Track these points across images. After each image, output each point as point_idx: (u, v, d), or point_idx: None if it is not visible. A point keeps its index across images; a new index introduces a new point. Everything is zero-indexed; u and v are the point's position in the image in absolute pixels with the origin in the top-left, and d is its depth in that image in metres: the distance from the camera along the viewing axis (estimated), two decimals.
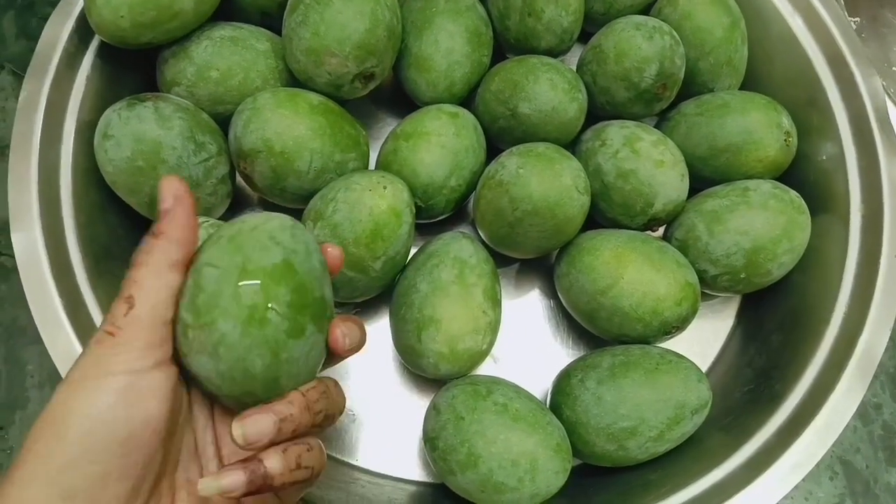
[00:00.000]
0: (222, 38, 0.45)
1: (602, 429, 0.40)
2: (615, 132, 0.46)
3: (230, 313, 0.25)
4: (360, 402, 0.47)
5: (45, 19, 0.43)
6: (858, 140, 0.46)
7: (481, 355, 0.43)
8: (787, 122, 0.47)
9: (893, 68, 0.62)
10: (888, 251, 0.43)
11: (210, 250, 0.27)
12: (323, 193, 0.42)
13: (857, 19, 0.64)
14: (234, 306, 0.26)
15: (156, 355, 0.25)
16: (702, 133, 0.48)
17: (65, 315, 0.38)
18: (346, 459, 0.45)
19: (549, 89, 0.45)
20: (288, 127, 0.42)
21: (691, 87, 0.50)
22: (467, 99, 0.50)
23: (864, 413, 0.51)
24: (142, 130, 0.40)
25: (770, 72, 0.52)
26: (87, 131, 0.43)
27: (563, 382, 0.43)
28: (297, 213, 0.44)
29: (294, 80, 0.46)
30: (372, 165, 0.49)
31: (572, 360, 0.45)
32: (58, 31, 0.43)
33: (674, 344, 0.44)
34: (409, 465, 0.45)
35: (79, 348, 0.37)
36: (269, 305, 0.26)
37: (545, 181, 0.41)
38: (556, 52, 0.50)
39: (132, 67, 0.47)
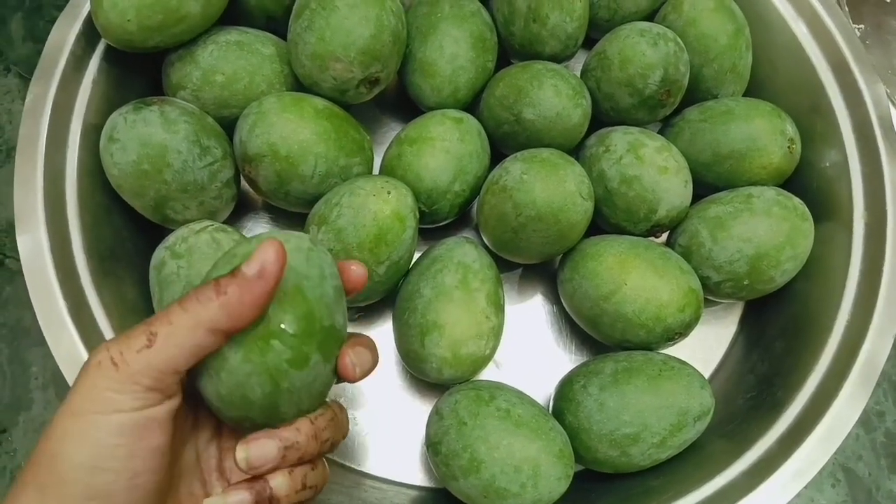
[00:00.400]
0: (228, 43, 0.45)
1: (605, 435, 0.40)
2: (619, 138, 0.46)
3: (234, 337, 0.25)
4: (362, 407, 0.47)
5: (53, 22, 0.43)
6: (862, 147, 0.46)
7: (484, 360, 0.43)
8: (790, 128, 0.47)
9: None
10: (891, 258, 0.43)
11: (222, 269, 0.26)
12: (327, 198, 0.43)
13: (862, 26, 0.64)
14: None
15: (157, 397, 0.24)
16: (706, 139, 0.48)
17: (69, 317, 0.38)
18: (348, 464, 0.45)
19: (553, 95, 0.45)
20: (293, 131, 0.42)
21: (695, 93, 0.50)
22: (472, 104, 0.50)
23: (867, 420, 0.51)
24: (147, 134, 0.40)
25: (774, 78, 0.52)
26: (93, 134, 0.43)
27: (566, 388, 0.43)
28: (301, 218, 0.44)
29: (299, 84, 0.46)
30: (376, 170, 0.49)
31: (575, 365, 0.45)
32: (64, 35, 0.43)
33: (676, 350, 0.44)
34: (411, 470, 0.45)
35: (83, 350, 0.37)
36: (274, 332, 0.25)
37: (549, 187, 0.41)
38: (560, 58, 0.50)
39: (138, 71, 0.47)
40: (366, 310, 0.48)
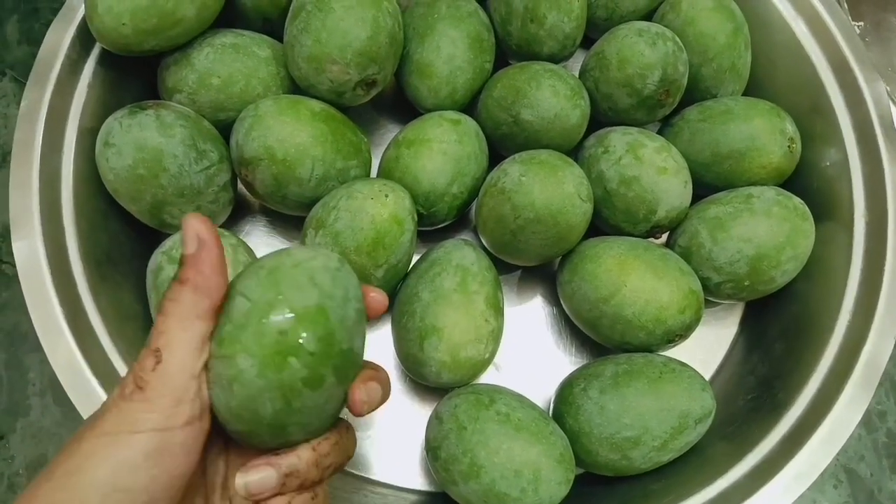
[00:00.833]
0: (224, 45, 0.45)
1: (605, 438, 0.40)
2: (618, 139, 0.46)
3: (251, 350, 0.25)
4: None
5: (49, 25, 0.43)
6: (862, 146, 0.46)
7: (484, 364, 0.42)
8: (790, 127, 0.47)
9: None
10: (892, 258, 0.43)
11: (248, 280, 0.26)
12: (325, 201, 0.42)
13: (861, 23, 0.64)
14: (256, 344, 0.25)
15: (186, 412, 0.24)
16: (705, 139, 0.47)
17: (65, 323, 0.38)
18: (348, 469, 0.45)
19: (551, 96, 0.44)
20: (290, 134, 0.42)
21: (694, 93, 0.50)
22: (469, 105, 0.50)
23: (869, 421, 0.51)
24: (143, 138, 0.40)
25: (773, 77, 0.51)
26: (88, 139, 0.43)
27: (566, 391, 0.43)
28: (299, 221, 0.44)
29: (296, 87, 0.46)
30: (374, 173, 0.48)
31: (575, 368, 0.45)
32: (59, 38, 0.43)
33: (676, 352, 0.44)
34: (410, 475, 0.45)
35: (79, 356, 0.37)
36: (292, 347, 0.25)
37: (547, 189, 0.41)
38: (558, 59, 0.50)
39: (134, 74, 0.47)
40: None
